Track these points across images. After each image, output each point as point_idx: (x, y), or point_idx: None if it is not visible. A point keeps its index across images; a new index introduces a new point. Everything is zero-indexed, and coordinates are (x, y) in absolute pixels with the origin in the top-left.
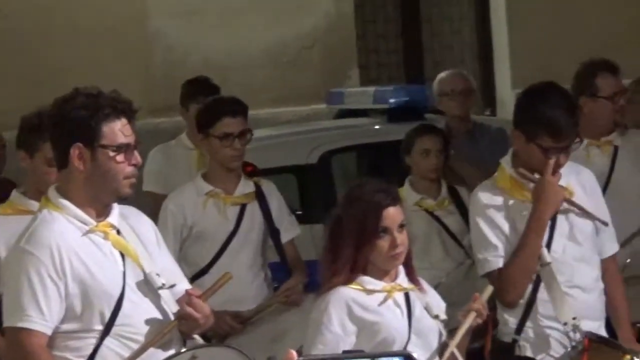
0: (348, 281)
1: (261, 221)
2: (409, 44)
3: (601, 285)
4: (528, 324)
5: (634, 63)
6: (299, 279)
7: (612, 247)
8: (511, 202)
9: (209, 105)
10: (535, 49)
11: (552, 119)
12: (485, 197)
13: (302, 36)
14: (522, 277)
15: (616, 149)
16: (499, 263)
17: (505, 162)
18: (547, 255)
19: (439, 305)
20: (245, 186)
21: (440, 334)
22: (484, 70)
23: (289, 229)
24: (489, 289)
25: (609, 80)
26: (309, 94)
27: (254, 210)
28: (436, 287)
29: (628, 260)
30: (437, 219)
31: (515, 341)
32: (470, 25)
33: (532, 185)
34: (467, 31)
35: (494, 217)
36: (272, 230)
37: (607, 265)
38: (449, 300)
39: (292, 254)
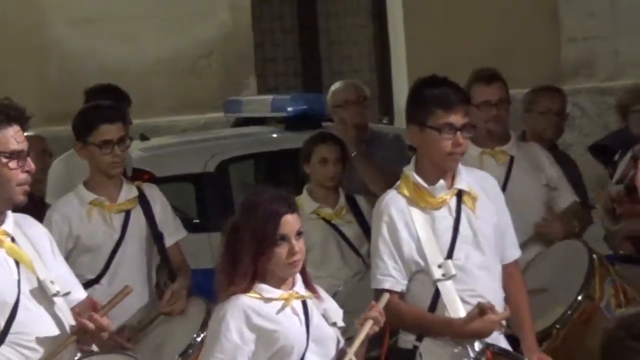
0: (246, 290)
1: (146, 226)
2: (307, 53)
3: (502, 294)
4: None
5: (527, 73)
6: (182, 284)
7: (514, 252)
8: (414, 209)
9: (85, 113)
10: (432, 59)
11: (440, 93)
12: (387, 206)
13: (200, 44)
14: (408, 328)
15: (512, 159)
16: (385, 284)
17: (409, 169)
18: (451, 268)
19: (337, 313)
20: (129, 192)
21: (338, 342)
22: (382, 80)
23: (173, 233)
24: (385, 297)
25: (481, 89)
26: (207, 103)
27: (138, 215)
28: (334, 296)
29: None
30: (335, 227)
31: (415, 348)
32: (368, 35)
33: (437, 190)
34: (364, 41)
35: (393, 228)
36: (155, 234)
37: (510, 271)
38: (346, 308)
39: (177, 257)
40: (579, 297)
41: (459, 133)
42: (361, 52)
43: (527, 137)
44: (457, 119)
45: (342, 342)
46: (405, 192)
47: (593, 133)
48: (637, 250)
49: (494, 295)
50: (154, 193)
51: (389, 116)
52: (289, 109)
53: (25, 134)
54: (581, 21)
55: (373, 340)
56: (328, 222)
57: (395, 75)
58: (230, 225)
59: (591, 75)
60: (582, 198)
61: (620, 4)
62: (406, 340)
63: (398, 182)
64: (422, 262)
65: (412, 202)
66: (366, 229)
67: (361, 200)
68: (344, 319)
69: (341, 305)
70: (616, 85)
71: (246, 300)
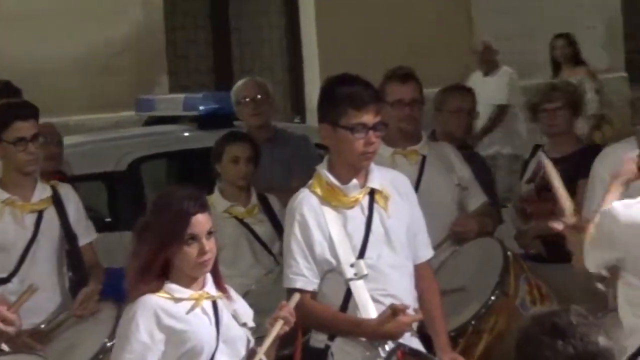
0: (155, 289)
1: (59, 226)
2: (219, 51)
3: (414, 293)
4: None
5: (440, 72)
6: (95, 287)
7: (426, 252)
8: (326, 208)
9: None
10: (345, 58)
11: (352, 92)
12: (300, 205)
13: (111, 42)
14: (320, 327)
15: (424, 158)
16: (297, 283)
17: (321, 168)
18: (363, 267)
19: (247, 313)
20: (42, 191)
21: (249, 342)
22: (294, 79)
23: (85, 234)
24: (296, 296)
25: (394, 87)
26: (119, 101)
27: (51, 215)
28: (245, 295)
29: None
30: (247, 226)
31: (327, 347)
32: (280, 34)
33: (350, 189)
34: (276, 40)
35: (305, 227)
36: (69, 235)
37: (422, 272)
38: (258, 307)
39: (91, 258)
40: (494, 294)
41: (371, 132)
42: (273, 50)
43: (437, 136)
44: (369, 118)
45: (253, 342)
46: (318, 191)
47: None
48: (547, 249)
49: (406, 295)
50: (68, 193)
51: (301, 115)
52: (201, 107)
53: None
54: (494, 21)
55: (285, 339)
56: (240, 220)
57: (307, 74)
58: (141, 224)
59: None
60: (492, 197)
61: (532, 5)
62: (318, 339)
63: (311, 181)
64: (334, 262)
65: (324, 201)
66: (278, 228)
67: (273, 199)
68: (256, 319)
69: (253, 304)
70: (529, 84)
71: (156, 300)
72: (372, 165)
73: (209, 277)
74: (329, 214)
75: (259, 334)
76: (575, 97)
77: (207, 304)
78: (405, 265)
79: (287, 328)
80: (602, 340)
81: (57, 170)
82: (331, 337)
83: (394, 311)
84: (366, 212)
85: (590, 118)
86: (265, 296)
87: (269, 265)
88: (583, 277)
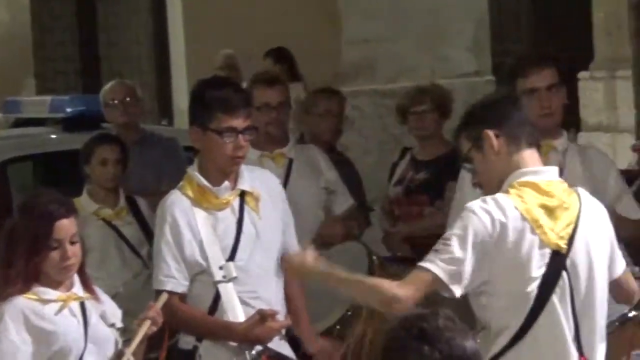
0: (23, 291)
1: None
2: (86, 53)
3: (282, 295)
4: None
5: (308, 75)
6: None
7: (293, 246)
8: (197, 210)
9: None
10: (212, 59)
11: (222, 96)
12: (171, 207)
13: None
14: (189, 330)
15: (291, 161)
16: (167, 285)
17: (192, 169)
18: (232, 270)
19: (115, 314)
20: None
21: (117, 343)
22: (162, 81)
23: None
24: (164, 297)
25: (262, 91)
26: None
27: None
28: (113, 297)
29: None
30: (115, 228)
31: (195, 348)
32: (149, 36)
33: (221, 191)
34: (145, 42)
35: (176, 229)
36: None
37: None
38: (126, 309)
39: None
40: None
41: (240, 136)
42: (141, 53)
43: (305, 139)
44: (238, 122)
45: (121, 343)
46: (189, 192)
47: (372, 135)
48: (414, 251)
49: (275, 297)
50: None
51: (169, 117)
52: (68, 109)
53: None
54: (361, 24)
55: (153, 342)
56: (108, 223)
57: (175, 77)
58: (8, 227)
59: (371, 78)
60: (359, 200)
61: (399, 7)
62: (187, 341)
63: (181, 183)
64: (204, 263)
65: (195, 202)
66: (146, 230)
67: (141, 202)
68: (125, 321)
69: (121, 307)
70: (395, 88)
71: (24, 302)
72: (243, 167)
73: (76, 279)
74: (200, 215)
75: (127, 335)
76: (443, 100)
77: (75, 305)
78: (275, 267)
79: (154, 328)
80: (469, 345)
81: None
82: (199, 339)
83: (262, 317)
84: (237, 213)
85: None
86: (133, 299)
87: (138, 267)
88: None
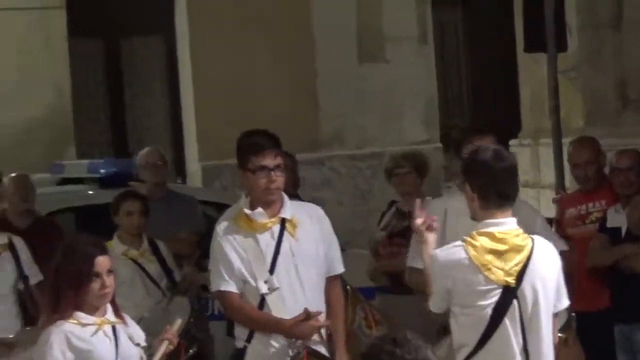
0: (67, 317)
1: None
2: (116, 125)
3: (322, 306)
4: (256, 334)
5: (292, 143)
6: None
7: (339, 267)
8: (242, 232)
9: None
10: (218, 130)
11: (252, 142)
12: (221, 230)
13: (29, 119)
14: (246, 322)
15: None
16: (228, 287)
17: (243, 203)
18: (275, 282)
19: (140, 336)
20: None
21: (142, 359)
22: (176, 148)
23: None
24: (178, 322)
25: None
26: (37, 165)
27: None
28: (139, 321)
29: None
30: (140, 265)
31: (245, 348)
32: (166, 112)
33: (256, 216)
34: (162, 116)
35: (226, 248)
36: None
37: (331, 286)
38: (151, 331)
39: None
40: None
41: (272, 172)
42: (159, 125)
43: None
44: (268, 161)
45: (145, 358)
46: (237, 219)
47: (346, 191)
48: (392, 282)
49: (313, 306)
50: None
51: (182, 177)
52: (102, 170)
53: None
54: (334, 102)
55: (171, 357)
56: (134, 261)
57: (187, 144)
58: (52, 265)
59: (343, 145)
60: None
61: (365, 87)
62: (240, 338)
63: (233, 212)
64: (249, 277)
65: (240, 227)
66: (165, 267)
67: (160, 244)
68: (149, 340)
69: (146, 329)
70: (362, 153)
71: (67, 326)
72: (287, 200)
73: (109, 307)
74: (244, 236)
75: (151, 351)
76: (421, 164)
77: (108, 329)
78: (314, 280)
79: (171, 347)
80: (430, 354)
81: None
82: (248, 339)
83: (307, 315)
84: (276, 236)
85: None
86: (157, 322)
87: (158, 297)
88: (422, 305)
